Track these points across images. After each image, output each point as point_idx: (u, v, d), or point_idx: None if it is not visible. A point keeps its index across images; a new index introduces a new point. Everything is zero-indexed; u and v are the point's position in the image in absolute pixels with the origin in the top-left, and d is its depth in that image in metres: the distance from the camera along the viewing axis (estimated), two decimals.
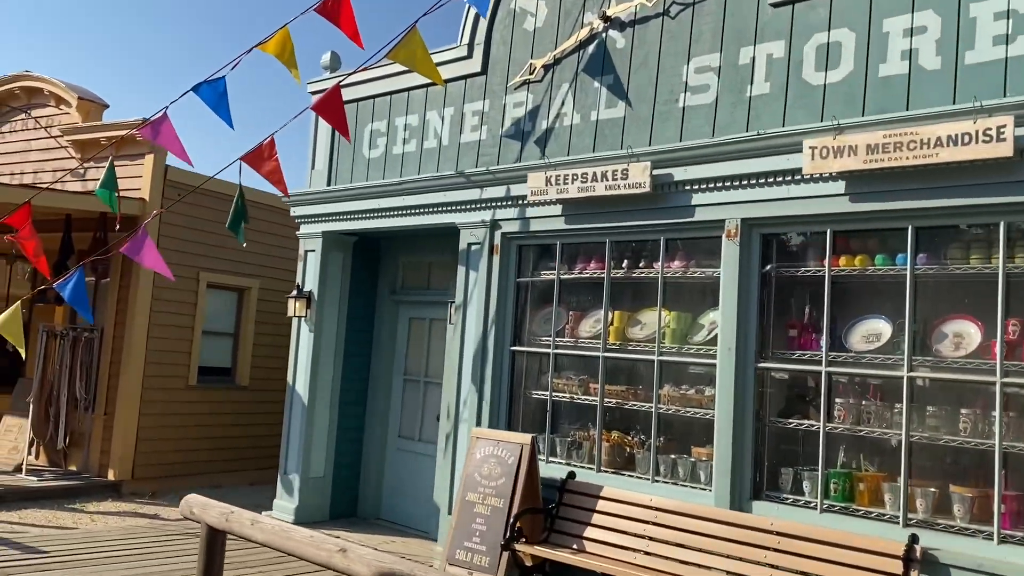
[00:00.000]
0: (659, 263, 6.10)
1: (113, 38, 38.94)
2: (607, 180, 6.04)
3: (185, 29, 38.15)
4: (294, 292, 8.62)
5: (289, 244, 12.45)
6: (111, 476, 10.25)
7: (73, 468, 10.61)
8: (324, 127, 8.78)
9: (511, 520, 5.83)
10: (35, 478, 9.84)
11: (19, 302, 7.46)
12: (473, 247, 7.20)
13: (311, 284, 8.66)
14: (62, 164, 11.48)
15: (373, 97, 8.27)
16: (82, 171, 11.28)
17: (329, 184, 8.66)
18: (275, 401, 12.37)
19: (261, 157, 7.07)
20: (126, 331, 10.43)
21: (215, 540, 4.51)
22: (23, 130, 12.13)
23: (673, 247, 6.11)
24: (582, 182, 6.19)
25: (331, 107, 6.93)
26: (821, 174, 5.17)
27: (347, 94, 8.45)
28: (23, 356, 7.71)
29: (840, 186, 5.15)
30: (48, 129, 11.72)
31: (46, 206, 9.86)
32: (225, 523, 4.27)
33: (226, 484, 11.62)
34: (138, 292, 10.42)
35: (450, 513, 7.09)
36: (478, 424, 6.96)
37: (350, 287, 8.85)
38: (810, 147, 5.13)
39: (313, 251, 8.66)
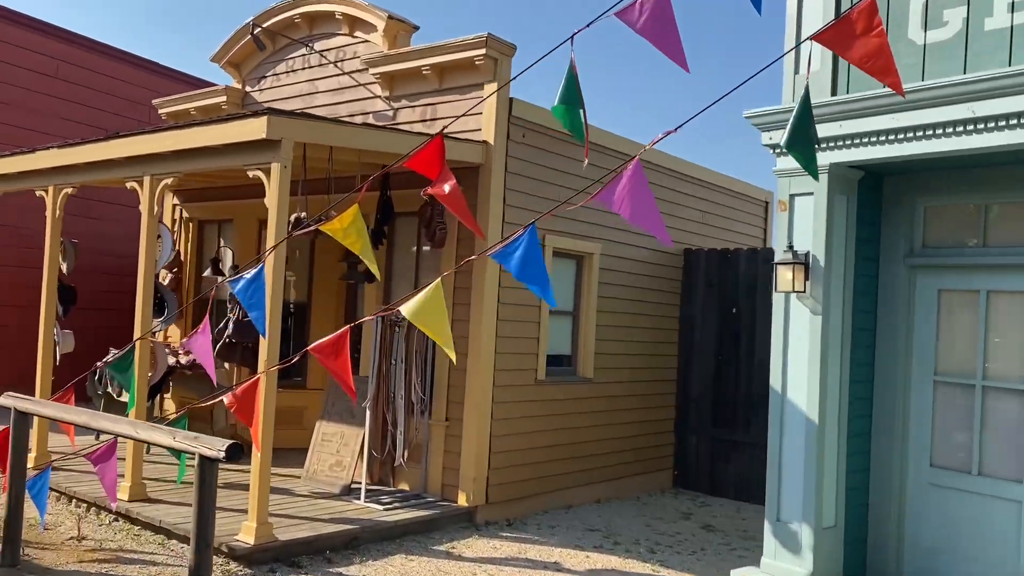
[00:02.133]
0: None
1: None
2: None
3: None
4: (786, 256, 5.83)
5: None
6: (461, 501, 7.93)
7: (404, 487, 8.39)
8: (813, 4, 5.88)
9: None
10: (378, 506, 7.63)
11: (438, 280, 4.94)
12: None
13: (805, 244, 5.85)
14: (363, 106, 9.17)
15: None
16: (391, 112, 8.92)
17: (835, 92, 5.79)
18: (619, 396, 9.82)
19: (851, 34, 4.25)
20: (471, 314, 8.02)
21: None
22: (303, 68, 9.91)
23: None
24: None
25: None
26: None
27: None
28: (453, 360, 5.29)
29: None
30: (339, 64, 9.43)
31: (350, 158, 7.51)
32: None
33: (576, 503, 9.18)
34: (486, 265, 7.97)
35: None
36: None
37: (855, 248, 6.00)
38: None
39: (808, 195, 5.84)
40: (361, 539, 6.97)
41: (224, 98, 10.44)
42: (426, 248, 8.66)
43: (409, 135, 7.58)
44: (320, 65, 9.66)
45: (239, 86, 10.58)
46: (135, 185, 7.59)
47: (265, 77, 10.33)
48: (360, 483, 7.99)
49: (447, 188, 5.20)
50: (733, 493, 10.07)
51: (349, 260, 8.94)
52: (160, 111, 11.29)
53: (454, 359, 5.03)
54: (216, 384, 7.28)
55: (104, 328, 12.56)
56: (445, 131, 8.11)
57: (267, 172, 6.41)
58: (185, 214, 11.10)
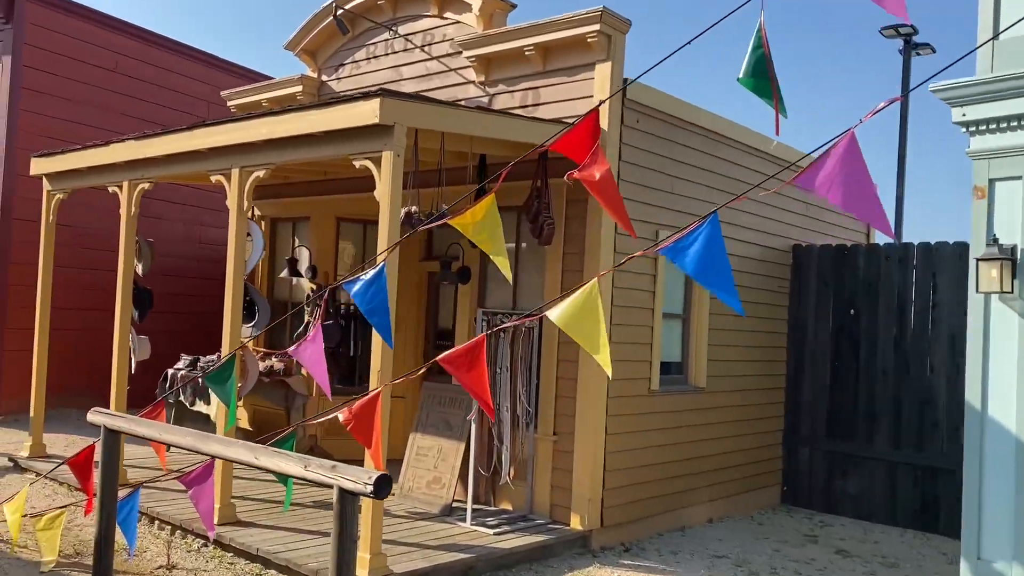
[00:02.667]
0: None
1: None
2: None
3: None
4: (990, 250, 5.02)
5: (735, 186, 8.92)
6: (575, 524, 7.20)
7: (507, 507, 7.68)
8: None
9: None
10: (487, 530, 6.92)
11: (594, 281, 4.20)
12: None
13: (1013, 236, 5.04)
14: (454, 92, 8.46)
15: None
16: (486, 98, 8.22)
17: None
18: (731, 406, 9.02)
19: None
20: None
21: None
22: (386, 54, 9.25)
23: None
24: None
25: None
26: None
27: None
28: (609, 375, 4.55)
29: None
30: (427, 48, 8.75)
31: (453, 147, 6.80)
32: None
33: (689, 523, 8.40)
34: (599, 263, 7.23)
35: None
36: None
37: None
38: None
39: (1015, 179, 5.02)
40: (476, 568, 6.28)
41: (299, 88, 9.82)
42: (524, 245, 7.96)
43: (531, 121, 6.89)
44: (405, 50, 8.98)
45: (314, 75, 9.94)
46: (221, 179, 6.96)
47: (343, 65, 9.68)
48: (464, 503, 7.30)
49: (598, 174, 4.46)
50: (852, 511, 9.22)
51: (443, 259, 8.26)
52: (228, 103, 10.71)
53: (610, 373, 4.30)
54: (330, 398, 6.61)
55: (174, 332, 12.02)
56: (555, 116, 7.32)
57: (377, 162, 5.73)
58: (257, 212, 10.50)
